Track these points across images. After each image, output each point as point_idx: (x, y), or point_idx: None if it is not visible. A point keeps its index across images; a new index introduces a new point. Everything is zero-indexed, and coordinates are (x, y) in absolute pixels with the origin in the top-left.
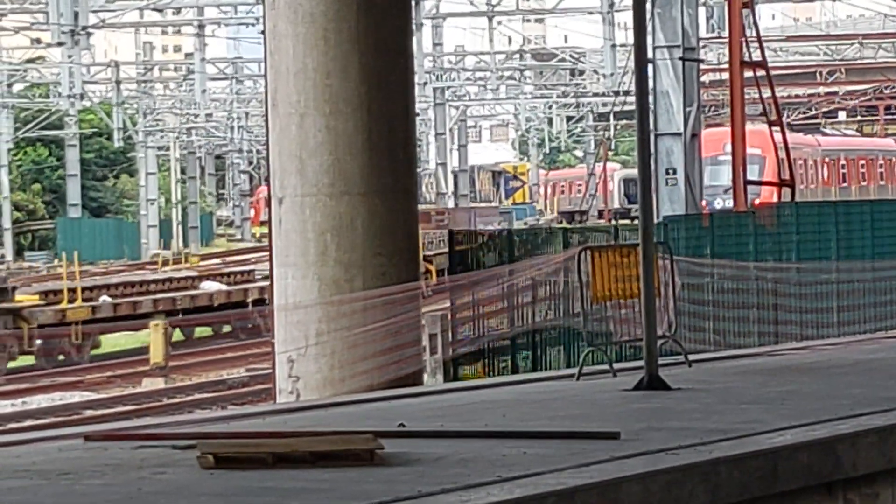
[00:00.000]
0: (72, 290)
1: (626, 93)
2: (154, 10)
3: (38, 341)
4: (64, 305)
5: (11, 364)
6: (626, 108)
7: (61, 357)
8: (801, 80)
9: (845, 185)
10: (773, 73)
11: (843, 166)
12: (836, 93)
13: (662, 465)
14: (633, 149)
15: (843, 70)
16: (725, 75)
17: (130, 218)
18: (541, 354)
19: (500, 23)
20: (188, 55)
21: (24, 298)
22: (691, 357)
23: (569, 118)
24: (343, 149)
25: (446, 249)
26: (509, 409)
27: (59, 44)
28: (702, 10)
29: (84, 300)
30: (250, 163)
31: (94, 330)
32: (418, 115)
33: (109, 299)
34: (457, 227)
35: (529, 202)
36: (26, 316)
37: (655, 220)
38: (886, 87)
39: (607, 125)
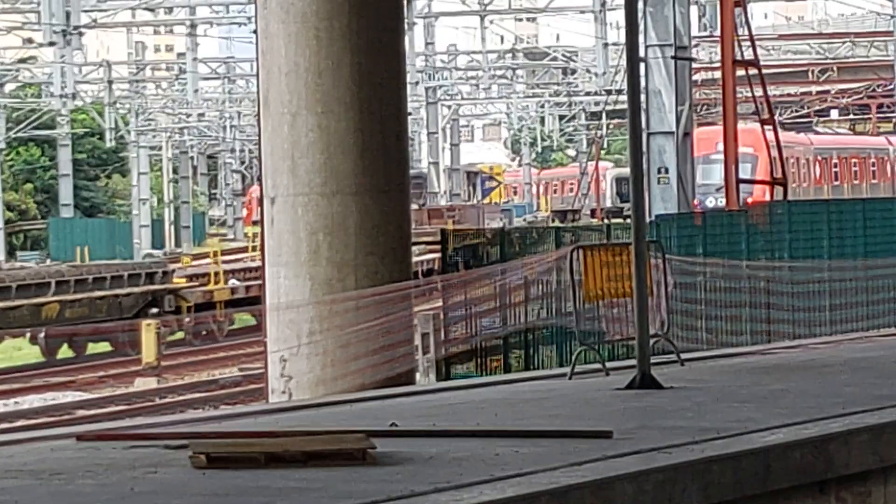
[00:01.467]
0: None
1: (619, 91)
2: (146, 9)
3: (186, 319)
4: (212, 286)
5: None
6: (619, 106)
7: (204, 333)
8: (794, 78)
9: (837, 183)
10: (765, 71)
11: (835, 165)
12: (828, 91)
13: (655, 463)
14: (625, 148)
15: (835, 68)
16: (717, 74)
17: (122, 218)
18: (533, 353)
19: (492, 22)
20: (180, 55)
21: (177, 281)
22: (684, 356)
23: (561, 117)
24: (335, 148)
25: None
26: (502, 408)
27: (51, 43)
28: (694, 9)
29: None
30: (242, 162)
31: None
32: (410, 114)
33: (238, 282)
34: (467, 224)
35: (506, 201)
36: (184, 295)
37: (648, 219)
38: (878, 86)
39: (599, 124)
